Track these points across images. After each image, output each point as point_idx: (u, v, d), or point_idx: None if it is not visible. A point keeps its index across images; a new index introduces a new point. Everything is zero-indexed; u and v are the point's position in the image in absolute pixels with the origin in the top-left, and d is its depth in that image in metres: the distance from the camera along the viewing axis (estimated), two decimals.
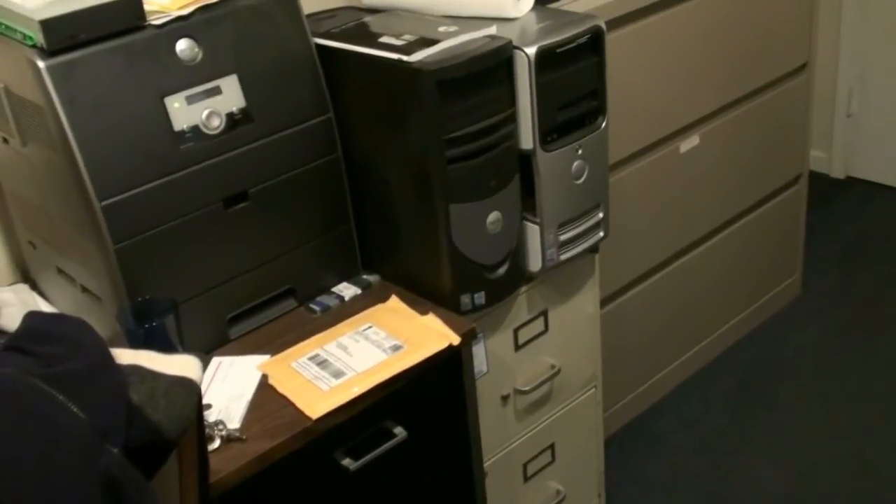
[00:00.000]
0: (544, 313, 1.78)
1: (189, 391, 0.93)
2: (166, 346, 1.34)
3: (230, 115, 1.44)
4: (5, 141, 1.49)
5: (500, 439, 1.80)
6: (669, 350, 2.52)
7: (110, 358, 0.88)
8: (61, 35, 1.29)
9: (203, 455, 1.04)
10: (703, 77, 2.24)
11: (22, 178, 1.52)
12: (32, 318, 0.93)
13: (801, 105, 2.61)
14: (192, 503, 1.02)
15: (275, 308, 1.59)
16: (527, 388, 1.78)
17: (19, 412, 0.79)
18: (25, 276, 1.73)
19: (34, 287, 1.68)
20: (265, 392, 1.41)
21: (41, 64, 1.28)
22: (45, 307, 1.63)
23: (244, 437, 1.31)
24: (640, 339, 2.39)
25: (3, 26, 1.35)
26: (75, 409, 0.82)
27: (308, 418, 1.34)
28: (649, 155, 2.18)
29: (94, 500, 0.82)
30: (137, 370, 0.90)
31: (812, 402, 2.50)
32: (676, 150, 2.25)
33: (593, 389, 1.96)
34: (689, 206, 2.36)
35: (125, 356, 0.92)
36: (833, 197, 3.42)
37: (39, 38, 1.28)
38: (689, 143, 2.27)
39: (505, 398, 1.77)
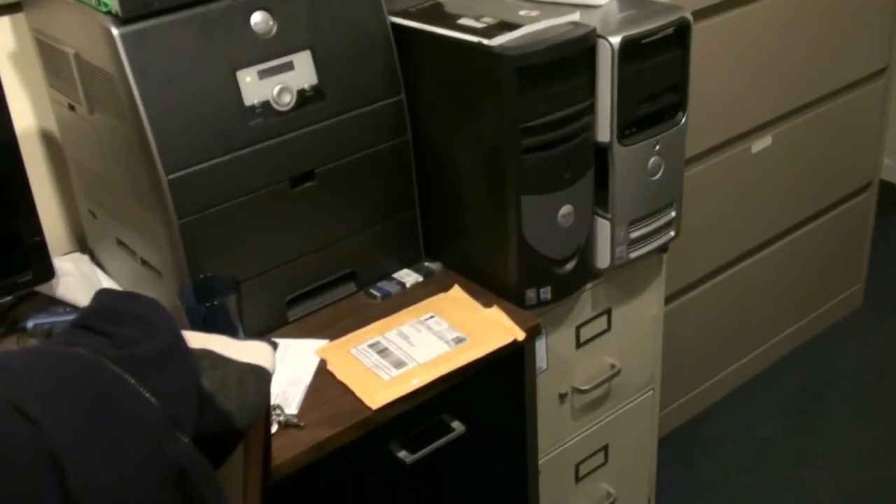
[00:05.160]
0: (608, 312, 1.73)
1: (261, 380, 0.89)
2: (227, 326, 1.30)
3: (301, 92, 1.40)
4: (72, 108, 1.47)
5: (555, 438, 1.76)
6: (726, 354, 2.46)
7: (183, 342, 0.84)
8: (136, 2, 1.25)
9: (267, 446, 1.00)
10: (779, 76, 2.17)
11: (86, 146, 1.50)
12: (104, 295, 0.89)
13: (876, 110, 2.52)
14: (254, 494, 0.98)
15: (334, 291, 1.55)
16: (586, 388, 1.73)
17: (90, 395, 0.76)
18: (83, 245, 1.71)
19: (92, 257, 1.66)
20: (323, 378, 1.38)
21: (115, 31, 1.25)
22: (104, 278, 1.60)
23: (302, 423, 1.28)
24: (697, 340, 2.33)
25: None
26: (147, 395, 0.78)
27: (368, 408, 1.31)
28: (720, 153, 2.11)
29: (161, 489, 0.78)
30: (209, 355, 0.86)
31: (868, 415, 2.43)
32: (748, 150, 2.18)
33: (651, 392, 1.90)
34: (756, 207, 2.29)
35: (196, 340, 0.88)
36: None
37: (115, 4, 1.24)
38: (762, 143, 2.20)
39: (563, 396, 1.73)
